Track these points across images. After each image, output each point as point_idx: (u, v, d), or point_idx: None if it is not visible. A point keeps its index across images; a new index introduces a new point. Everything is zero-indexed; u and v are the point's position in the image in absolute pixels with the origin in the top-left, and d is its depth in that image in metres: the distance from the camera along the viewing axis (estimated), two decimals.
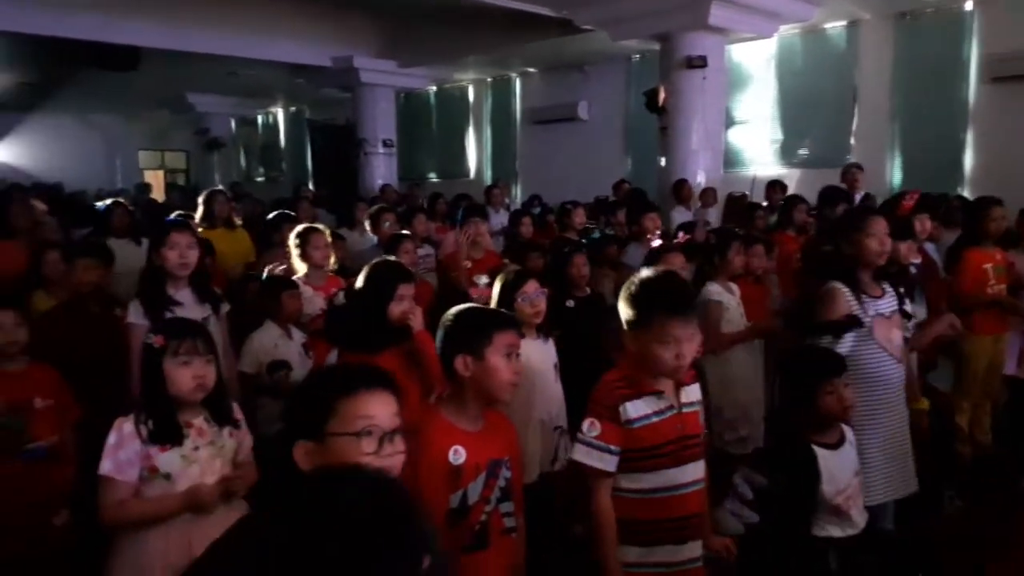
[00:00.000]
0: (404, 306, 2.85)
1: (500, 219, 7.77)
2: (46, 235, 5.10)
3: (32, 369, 3.11)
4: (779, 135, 9.49)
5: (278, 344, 3.59)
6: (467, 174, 13.07)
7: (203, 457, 2.25)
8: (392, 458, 1.51)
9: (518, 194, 11.69)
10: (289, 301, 3.71)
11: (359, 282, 2.93)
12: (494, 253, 5.39)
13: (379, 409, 1.52)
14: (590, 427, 2.19)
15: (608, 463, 2.18)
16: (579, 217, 6.40)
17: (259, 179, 17.01)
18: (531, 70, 12.04)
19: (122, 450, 2.18)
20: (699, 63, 7.73)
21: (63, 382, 3.19)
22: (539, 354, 3.14)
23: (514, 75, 12.32)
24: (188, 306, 3.20)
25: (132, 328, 3.13)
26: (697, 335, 2.19)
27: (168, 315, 3.03)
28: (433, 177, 13.47)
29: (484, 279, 4.66)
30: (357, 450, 1.47)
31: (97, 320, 3.79)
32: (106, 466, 2.17)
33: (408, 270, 3.06)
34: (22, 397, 2.92)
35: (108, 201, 5.39)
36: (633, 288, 2.23)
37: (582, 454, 2.20)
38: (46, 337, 3.69)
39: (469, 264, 4.92)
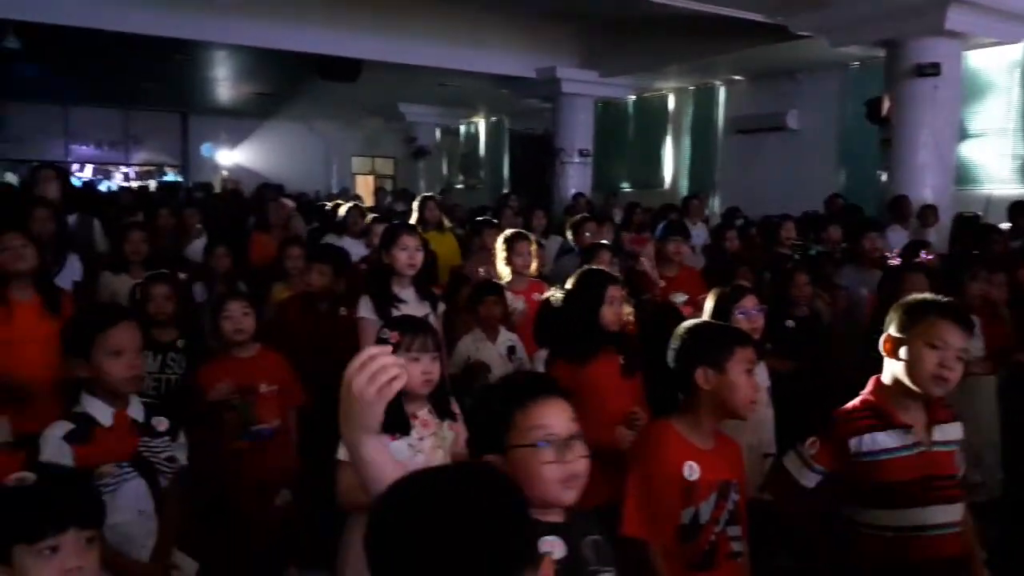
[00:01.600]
0: (616, 308, 2.82)
1: (698, 232, 7.53)
2: (297, 231, 5.63)
3: (261, 355, 3.35)
4: (1021, 150, 8.48)
5: (479, 347, 3.68)
6: (662, 184, 12.85)
7: (427, 447, 2.36)
8: (575, 464, 1.50)
9: (716, 206, 11.31)
10: (491, 306, 3.79)
11: (566, 288, 2.93)
12: (691, 270, 5.22)
13: (553, 418, 1.51)
14: (811, 446, 2.20)
15: (806, 479, 2.18)
16: (788, 232, 6.06)
17: (459, 186, 17.71)
18: (737, 78, 11.63)
19: None
20: (931, 71, 7.07)
21: (289, 369, 3.42)
22: None
23: (718, 83, 11.95)
24: (411, 304, 3.36)
25: (363, 323, 3.33)
26: (964, 356, 2.09)
27: (394, 312, 3.19)
28: (626, 187, 13.36)
29: (682, 296, 4.53)
30: (537, 460, 1.48)
31: (323, 314, 4.07)
32: (343, 452, 2.26)
33: (614, 274, 3.04)
34: (249, 381, 3.14)
35: (347, 204, 5.85)
36: (908, 297, 2.22)
37: (791, 462, 2.23)
38: (277, 325, 4.03)
39: (663, 283, 4.80)
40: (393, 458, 1.40)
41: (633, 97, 13.17)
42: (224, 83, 13.86)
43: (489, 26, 9.81)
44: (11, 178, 15.17)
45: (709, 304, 3.11)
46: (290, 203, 6.25)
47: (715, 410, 2.11)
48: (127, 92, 14.58)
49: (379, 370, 1.26)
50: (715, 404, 2.09)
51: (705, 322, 2.33)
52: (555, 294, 3.16)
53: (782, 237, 5.97)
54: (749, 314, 3.00)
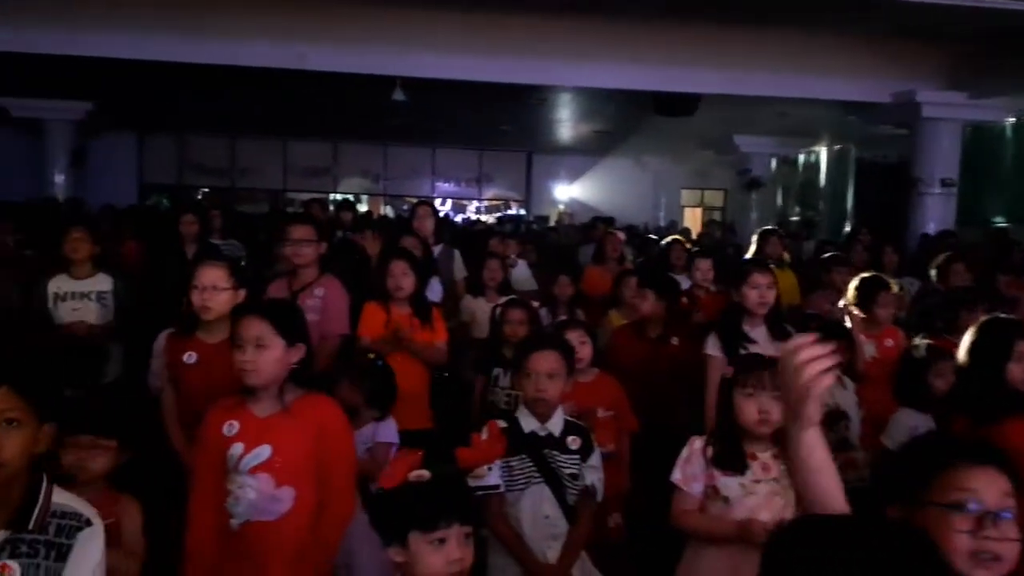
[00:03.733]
0: None
1: None
2: (625, 264, 5.86)
3: (598, 381, 3.49)
4: None
5: (834, 394, 3.42)
6: None
7: (762, 491, 2.28)
8: (999, 545, 1.31)
9: None
10: (839, 352, 3.53)
11: (965, 340, 2.60)
12: None
13: (983, 485, 1.38)
14: None
15: None
16: None
17: (794, 218, 16.86)
18: None
19: (690, 465, 2.38)
20: None
21: (624, 395, 3.53)
22: None
23: None
24: (761, 343, 3.29)
25: (709, 359, 3.34)
26: None
27: (742, 351, 3.15)
28: (1000, 221, 11.64)
29: None
30: (948, 524, 1.36)
31: (652, 341, 4.13)
32: (676, 474, 2.40)
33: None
34: (588, 405, 3.30)
35: (669, 239, 5.95)
36: None
37: None
38: (611, 352, 4.16)
39: None
40: (828, 456, 1.38)
41: (1012, 120, 11.47)
42: (566, 123, 14.80)
43: (836, 51, 9.25)
44: (388, 211, 17.73)
45: None
46: (621, 235, 6.47)
47: None
48: (483, 134, 16.24)
49: (802, 363, 1.30)
50: None
51: None
52: (919, 347, 2.86)
53: None
54: None
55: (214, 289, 2.96)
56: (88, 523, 1.62)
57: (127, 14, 8.03)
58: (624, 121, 13.67)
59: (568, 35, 8.51)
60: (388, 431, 3.17)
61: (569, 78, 9.25)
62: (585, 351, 3.41)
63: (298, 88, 10.77)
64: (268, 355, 2.23)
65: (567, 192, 19.19)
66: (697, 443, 2.38)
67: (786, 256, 5.70)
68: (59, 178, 13.19)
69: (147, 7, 8.07)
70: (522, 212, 18.99)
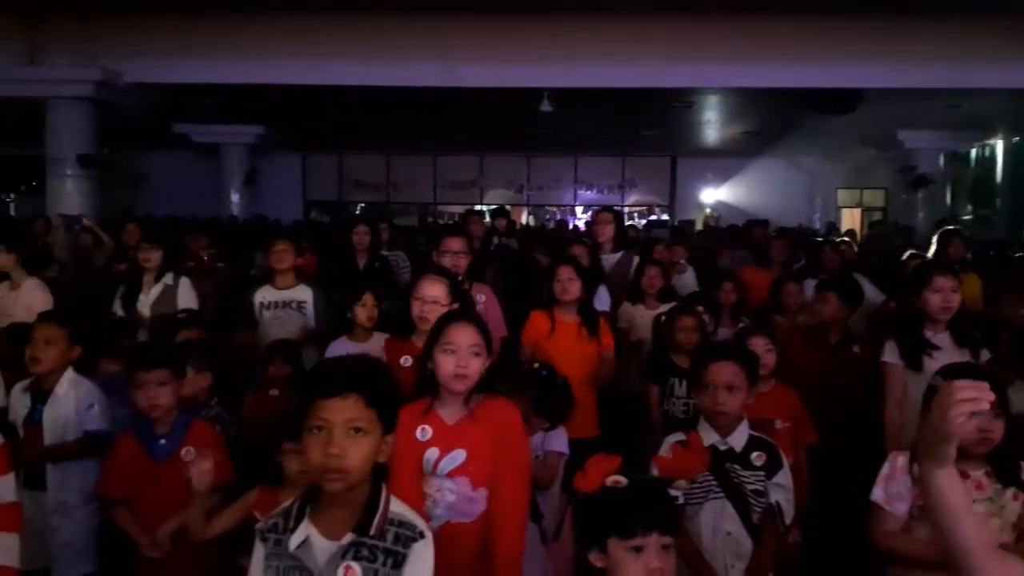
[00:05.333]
0: None
1: None
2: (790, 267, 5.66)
3: (776, 391, 3.38)
4: None
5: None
6: None
7: (976, 512, 2.11)
8: None
9: None
10: None
11: None
12: None
13: None
14: None
15: None
16: None
17: (965, 217, 15.63)
18: None
19: (893, 482, 2.24)
20: None
21: (801, 407, 3.39)
22: None
23: None
24: (946, 351, 3.08)
25: (888, 368, 3.17)
26: None
27: (926, 360, 2.97)
28: None
29: None
30: None
31: (832, 347, 3.96)
32: (877, 493, 2.27)
33: None
34: (766, 417, 3.17)
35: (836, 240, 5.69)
36: None
37: None
38: (786, 360, 4.01)
39: None
40: (965, 498, 1.36)
41: None
42: (713, 125, 14.45)
43: (1016, 35, 8.53)
44: (530, 220, 17.97)
45: None
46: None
47: None
48: (627, 141, 16.13)
49: (956, 403, 1.26)
50: None
51: None
52: None
53: None
54: None
55: (434, 303, 3.03)
56: (422, 535, 1.64)
57: (298, 44, 8.66)
58: (776, 121, 13.21)
59: (720, 36, 8.35)
60: (559, 441, 3.16)
61: (723, 80, 9.06)
62: (770, 359, 3.30)
63: (449, 104, 11.16)
64: (480, 363, 2.29)
65: (714, 195, 18.70)
66: (900, 459, 2.22)
67: (968, 257, 5.29)
68: (234, 197, 14.39)
69: (313, 36, 8.65)
70: (664, 217, 18.66)
